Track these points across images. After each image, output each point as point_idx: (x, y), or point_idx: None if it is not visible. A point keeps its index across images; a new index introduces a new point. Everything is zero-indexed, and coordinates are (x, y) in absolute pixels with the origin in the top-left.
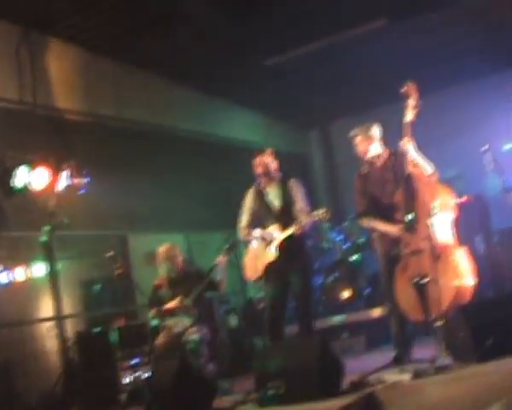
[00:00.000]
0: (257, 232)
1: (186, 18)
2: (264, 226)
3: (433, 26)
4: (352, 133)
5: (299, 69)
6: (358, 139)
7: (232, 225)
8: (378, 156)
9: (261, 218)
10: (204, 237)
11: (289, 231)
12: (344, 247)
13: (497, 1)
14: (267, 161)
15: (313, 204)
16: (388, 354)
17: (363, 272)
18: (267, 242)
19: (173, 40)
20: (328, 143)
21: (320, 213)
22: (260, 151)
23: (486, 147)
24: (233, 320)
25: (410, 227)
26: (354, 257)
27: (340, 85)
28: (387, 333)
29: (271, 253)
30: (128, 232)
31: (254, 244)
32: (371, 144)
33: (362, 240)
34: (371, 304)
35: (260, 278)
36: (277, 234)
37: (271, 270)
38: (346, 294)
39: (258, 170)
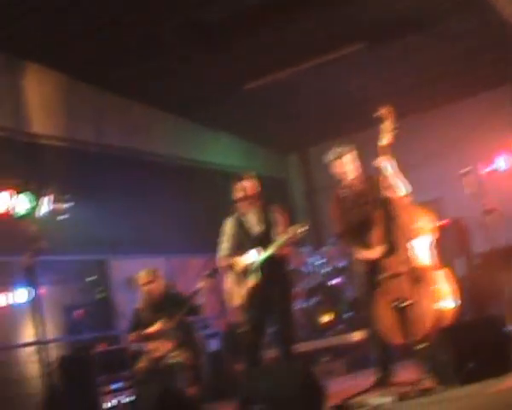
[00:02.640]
0: (237, 260)
1: (165, 44)
2: (243, 253)
3: (411, 49)
4: (329, 156)
5: (278, 94)
6: (336, 162)
7: (212, 249)
8: (355, 179)
9: (241, 244)
10: (184, 261)
11: (269, 252)
12: (324, 271)
13: (472, 25)
14: (248, 185)
15: None
16: (369, 377)
17: (344, 295)
18: (248, 267)
19: (152, 66)
20: (307, 168)
21: (297, 228)
22: (242, 175)
23: (467, 169)
24: (213, 345)
25: (390, 251)
26: (334, 281)
27: (319, 110)
28: (368, 356)
29: (253, 277)
30: (109, 257)
31: (235, 272)
32: (348, 167)
33: (342, 264)
34: (352, 328)
35: (243, 304)
36: (257, 257)
37: (253, 294)
38: (326, 318)
39: (240, 194)
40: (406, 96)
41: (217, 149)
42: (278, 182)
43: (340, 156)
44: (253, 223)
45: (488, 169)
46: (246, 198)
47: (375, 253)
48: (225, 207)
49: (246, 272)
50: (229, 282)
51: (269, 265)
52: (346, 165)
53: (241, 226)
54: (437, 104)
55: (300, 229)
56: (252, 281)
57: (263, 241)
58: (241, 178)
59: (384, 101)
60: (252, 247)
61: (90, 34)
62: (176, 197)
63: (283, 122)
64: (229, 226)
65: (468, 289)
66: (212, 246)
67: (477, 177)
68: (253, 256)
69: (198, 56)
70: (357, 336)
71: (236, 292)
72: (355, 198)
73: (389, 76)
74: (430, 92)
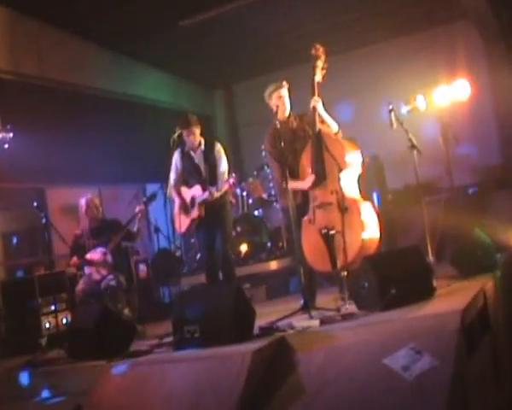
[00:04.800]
0: (184, 191)
1: None
2: (189, 185)
3: None
4: (268, 90)
5: (206, 32)
6: (273, 96)
7: (142, 179)
8: (289, 115)
9: (187, 177)
10: (115, 191)
11: (204, 197)
12: (247, 202)
13: None
14: (192, 120)
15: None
16: (289, 303)
17: (265, 226)
18: (190, 201)
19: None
20: (231, 104)
21: (226, 185)
22: (186, 114)
23: (390, 107)
24: (143, 270)
25: (319, 182)
26: (256, 212)
27: (244, 48)
28: (286, 284)
29: (194, 212)
30: (46, 186)
31: (180, 201)
32: (286, 101)
33: (264, 196)
34: (272, 257)
35: (187, 231)
36: (199, 195)
37: (197, 225)
38: (248, 247)
39: (186, 131)
40: (331, 36)
41: (147, 84)
42: (204, 117)
43: (278, 89)
44: (199, 161)
45: (408, 108)
46: (192, 136)
47: (306, 183)
48: (154, 138)
49: (189, 205)
50: (176, 210)
51: (207, 203)
52: (284, 98)
53: (187, 162)
54: (361, 44)
55: (230, 183)
56: (193, 215)
57: (206, 178)
58: (186, 116)
59: (309, 40)
60: (196, 182)
61: None
62: (109, 130)
63: (210, 59)
64: (177, 160)
65: (381, 223)
66: (141, 177)
67: (397, 115)
68: (197, 192)
69: None
70: (276, 264)
71: (182, 221)
72: (289, 133)
73: (314, 16)
74: (355, 32)
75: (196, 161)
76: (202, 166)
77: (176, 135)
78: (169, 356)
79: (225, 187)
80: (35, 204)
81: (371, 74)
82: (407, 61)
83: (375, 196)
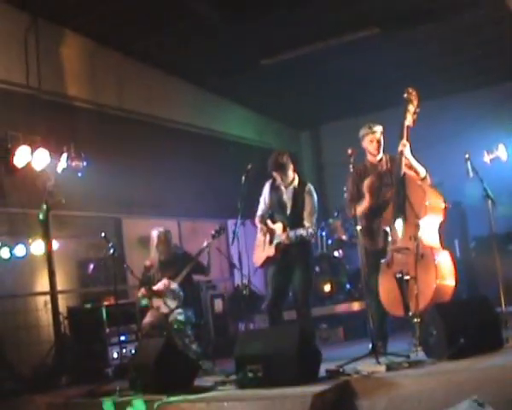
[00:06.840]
0: (267, 225)
1: (186, 14)
2: (273, 220)
3: (421, 39)
4: (361, 132)
5: (294, 71)
6: (366, 139)
7: (222, 215)
8: (380, 160)
9: (273, 211)
10: (195, 225)
11: (281, 238)
12: (327, 242)
13: (485, 20)
14: (283, 161)
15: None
16: (365, 346)
17: (344, 267)
18: (270, 237)
19: (173, 35)
20: (317, 144)
21: (304, 233)
22: (277, 151)
23: (466, 156)
24: (218, 305)
25: (397, 213)
26: (336, 253)
27: (332, 90)
28: (364, 326)
29: (271, 249)
30: (123, 216)
31: (261, 234)
32: (376, 146)
33: (344, 237)
34: (350, 298)
35: (262, 266)
36: (279, 234)
37: (272, 262)
38: (327, 287)
39: (278, 178)
40: (414, 83)
41: (232, 121)
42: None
43: (370, 133)
44: (287, 199)
45: (490, 157)
46: (283, 175)
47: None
48: (236, 175)
49: (270, 239)
50: (256, 242)
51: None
52: (375, 142)
53: (276, 196)
54: (440, 94)
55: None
56: (270, 252)
57: (291, 217)
58: (276, 156)
59: (392, 87)
60: (280, 219)
61: (117, 1)
62: (190, 163)
63: (297, 99)
64: (266, 192)
65: (463, 271)
66: (222, 211)
67: (478, 164)
68: (278, 230)
69: (219, 27)
70: (354, 306)
71: (259, 254)
72: (377, 178)
73: (398, 62)
74: (437, 81)
75: (284, 197)
76: (289, 205)
77: (245, 174)
78: (228, 394)
79: (303, 234)
80: (102, 234)
81: (454, 123)
82: (490, 112)
83: (456, 243)
